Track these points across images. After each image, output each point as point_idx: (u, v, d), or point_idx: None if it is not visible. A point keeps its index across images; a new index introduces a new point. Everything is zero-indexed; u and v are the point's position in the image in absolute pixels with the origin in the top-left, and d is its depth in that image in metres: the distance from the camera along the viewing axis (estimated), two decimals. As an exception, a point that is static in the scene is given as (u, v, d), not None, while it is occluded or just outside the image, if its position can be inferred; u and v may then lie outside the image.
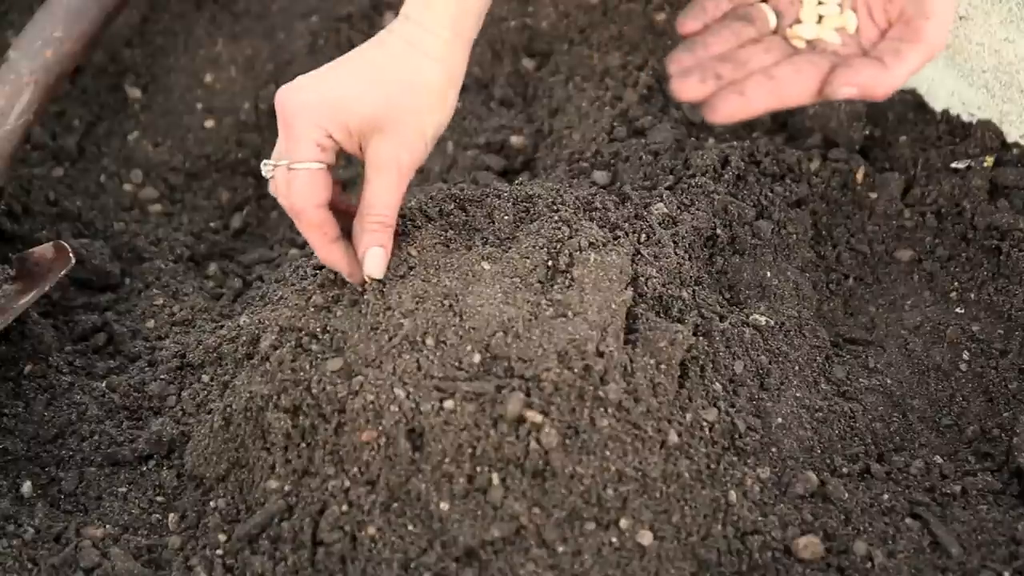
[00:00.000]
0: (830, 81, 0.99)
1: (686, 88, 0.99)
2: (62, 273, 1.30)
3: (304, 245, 1.50)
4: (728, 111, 0.98)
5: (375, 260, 1.11)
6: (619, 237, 1.18)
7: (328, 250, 1.11)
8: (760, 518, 1.08)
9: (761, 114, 1.00)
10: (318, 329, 1.13)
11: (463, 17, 1.11)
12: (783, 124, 1.50)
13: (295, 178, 1.08)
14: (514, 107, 1.60)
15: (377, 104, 1.07)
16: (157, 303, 1.40)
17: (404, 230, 1.18)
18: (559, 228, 1.16)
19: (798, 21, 1.06)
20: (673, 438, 1.08)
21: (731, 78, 0.99)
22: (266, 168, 1.10)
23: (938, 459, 1.18)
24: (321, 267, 1.20)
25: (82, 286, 1.43)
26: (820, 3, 1.06)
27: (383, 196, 1.09)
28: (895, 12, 1.02)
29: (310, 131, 1.07)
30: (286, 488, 1.08)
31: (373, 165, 1.09)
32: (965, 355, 1.28)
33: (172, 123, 1.67)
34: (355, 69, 1.09)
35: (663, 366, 1.10)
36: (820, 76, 1.00)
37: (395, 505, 1.05)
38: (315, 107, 1.07)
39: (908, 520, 1.10)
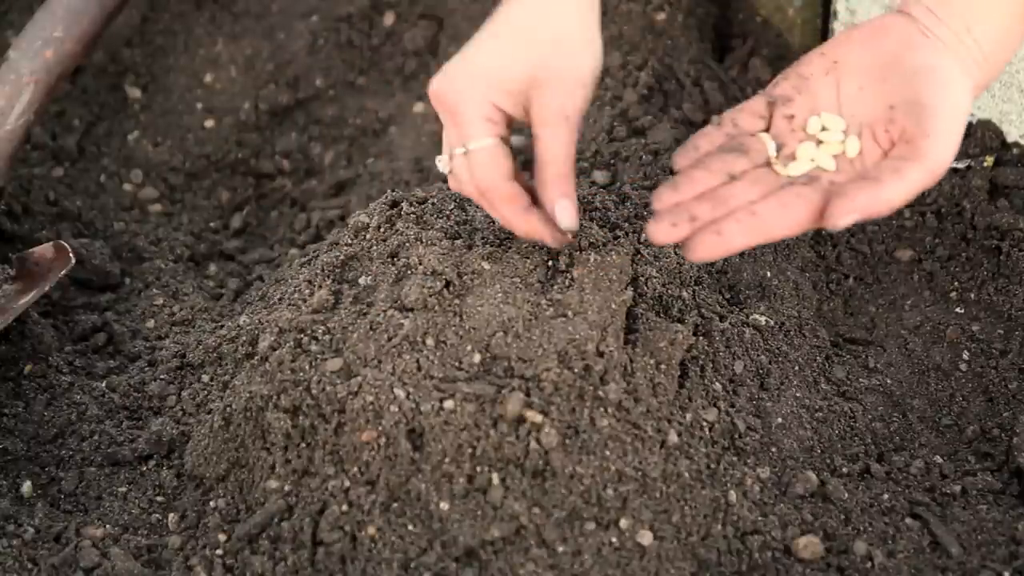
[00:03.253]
0: (829, 214, 0.97)
1: (659, 232, 0.99)
2: (62, 273, 1.30)
3: (304, 245, 1.50)
4: (705, 251, 0.98)
5: (566, 211, 1.09)
6: (619, 237, 1.18)
7: (525, 219, 1.09)
8: (760, 518, 1.08)
9: (742, 250, 1.00)
10: (318, 329, 1.13)
11: None
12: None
13: (474, 158, 1.07)
14: (514, 107, 1.60)
15: (529, 62, 1.07)
16: (157, 303, 1.40)
17: (405, 230, 1.19)
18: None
19: (793, 158, 1.04)
20: (673, 438, 1.08)
21: (710, 217, 0.99)
22: (442, 163, 1.10)
23: (938, 459, 1.18)
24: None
25: (82, 286, 1.43)
26: (824, 129, 1.04)
27: (556, 148, 1.08)
28: (897, 132, 1.01)
29: (477, 109, 1.06)
30: (286, 488, 1.08)
31: (540, 121, 1.08)
32: (965, 355, 1.28)
33: (172, 123, 1.67)
34: (497, 36, 1.09)
35: (663, 366, 1.10)
36: (808, 208, 0.99)
37: (395, 505, 1.05)
38: (473, 84, 1.07)
39: (908, 520, 1.10)
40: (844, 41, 1.07)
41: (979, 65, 1.04)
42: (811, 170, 1.03)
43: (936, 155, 0.99)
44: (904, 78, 1.02)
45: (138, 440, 1.21)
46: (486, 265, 1.13)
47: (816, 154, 1.03)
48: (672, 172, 1.04)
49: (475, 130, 1.07)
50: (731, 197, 1.00)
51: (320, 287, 1.18)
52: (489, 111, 1.06)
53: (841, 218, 0.97)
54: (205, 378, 1.26)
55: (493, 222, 1.20)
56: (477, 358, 1.07)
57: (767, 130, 1.06)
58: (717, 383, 1.14)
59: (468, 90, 1.06)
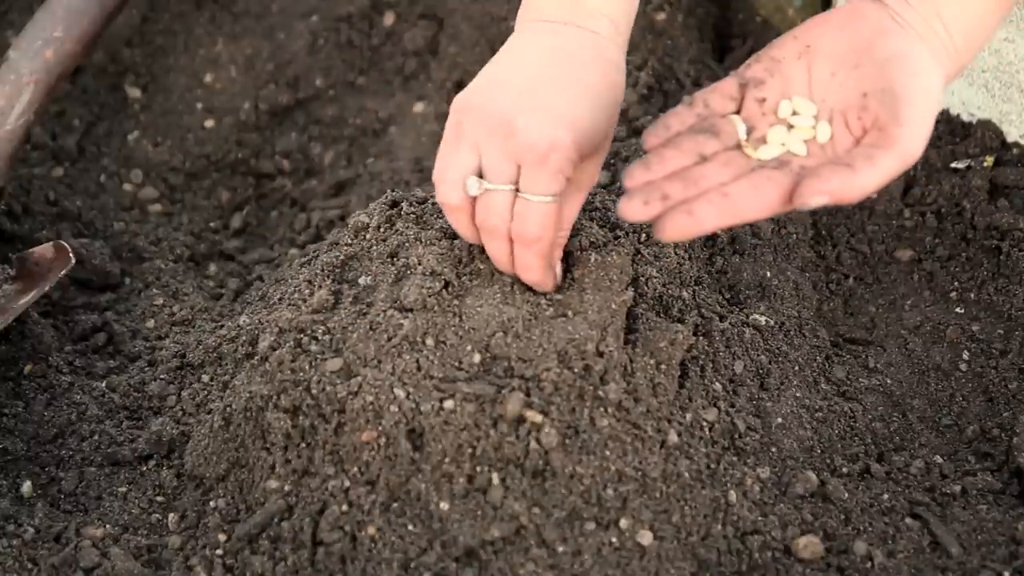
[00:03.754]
0: (799, 192, 0.97)
1: (630, 209, 0.98)
2: (62, 273, 1.30)
3: (304, 245, 1.50)
4: (676, 231, 0.98)
5: (559, 271, 1.14)
6: (619, 237, 1.18)
7: (547, 275, 1.11)
8: (760, 518, 1.08)
9: (712, 231, 0.99)
10: (318, 329, 1.13)
11: (631, 19, 1.12)
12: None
13: (541, 209, 1.05)
14: (514, 107, 1.60)
15: (606, 130, 1.08)
16: (157, 303, 1.40)
17: (405, 230, 1.19)
18: (559, 228, 1.16)
19: (763, 141, 1.03)
20: (673, 438, 1.08)
21: (682, 197, 0.99)
22: (476, 186, 1.06)
23: (938, 459, 1.18)
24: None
25: (82, 286, 1.43)
26: (795, 113, 1.04)
27: (574, 213, 1.11)
28: (869, 120, 1.01)
29: (567, 166, 1.04)
30: (286, 488, 1.08)
31: (578, 185, 1.10)
32: (965, 355, 1.28)
33: (172, 123, 1.67)
34: (582, 91, 1.07)
35: (663, 366, 1.10)
36: (779, 191, 0.99)
37: (395, 505, 1.05)
38: (571, 141, 1.04)
39: (908, 520, 1.10)
40: (817, 25, 1.06)
41: (949, 54, 1.04)
42: (782, 154, 1.02)
43: (908, 143, 0.99)
44: (877, 65, 1.02)
45: (138, 440, 1.21)
46: (484, 265, 1.13)
47: (787, 138, 1.03)
48: (643, 151, 1.04)
49: (556, 184, 1.05)
50: (702, 178, 1.00)
51: (320, 287, 1.18)
52: (571, 170, 1.05)
53: (811, 198, 0.97)
54: (205, 378, 1.26)
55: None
56: (477, 358, 1.07)
57: (738, 112, 1.06)
58: (717, 383, 1.14)
59: (567, 144, 1.04)
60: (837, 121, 1.03)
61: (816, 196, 0.97)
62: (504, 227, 1.07)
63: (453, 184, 1.07)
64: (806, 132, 1.03)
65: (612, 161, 1.41)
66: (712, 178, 1.00)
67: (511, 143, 1.04)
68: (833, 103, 1.03)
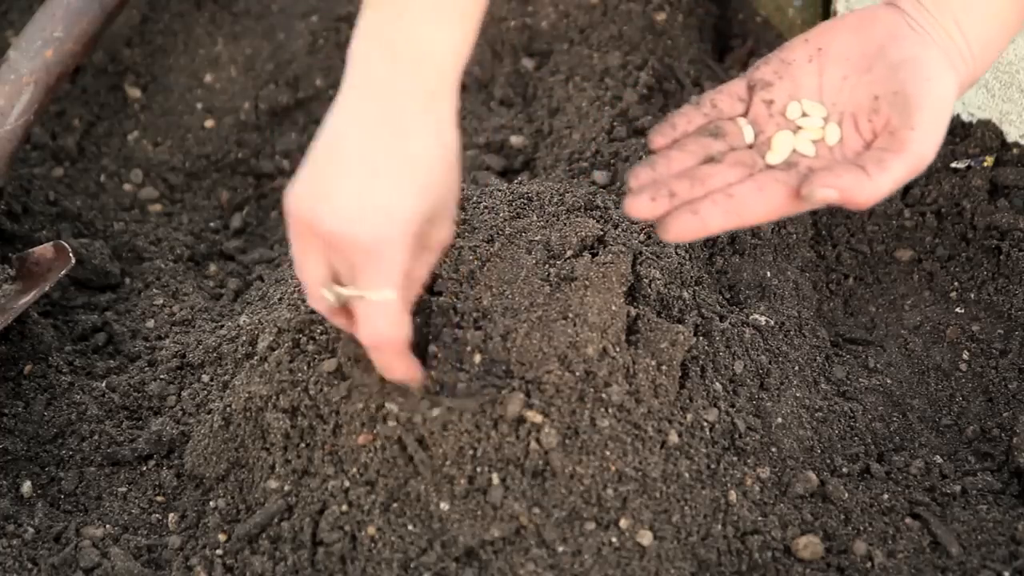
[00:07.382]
0: (809, 182, 0.95)
1: (636, 206, 0.96)
2: (62, 273, 1.30)
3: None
4: (680, 231, 0.95)
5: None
6: (619, 238, 1.18)
7: (407, 367, 1.02)
8: (760, 518, 1.08)
9: (718, 233, 0.97)
10: (316, 330, 1.12)
11: (465, 51, 0.97)
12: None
13: (387, 310, 0.95)
14: (514, 107, 1.60)
15: (439, 204, 0.96)
16: (157, 303, 1.40)
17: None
18: (559, 227, 1.16)
19: (769, 147, 1.02)
20: (673, 438, 1.08)
21: (688, 196, 0.97)
22: (332, 296, 0.97)
23: (938, 459, 1.18)
24: None
25: (82, 286, 1.43)
26: (804, 115, 1.03)
27: (424, 273, 1.01)
28: (881, 123, 1.00)
29: (401, 263, 0.94)
30: (286, 488, 1.08)
31: (426, 249, 0.99)
32: (965, 355, 1.28)
33: (172, 123, 1.67)
34: (409, 170, 0.94)
35: (664, 367, 1.10)
36: (785, 192, 0.97)
37: (395, 505, 1.05)
38: (401, 236, 0.93)
39: (908, 520, 1.10)
40: (829, 29, 1.05)
41: (965, 61, 1.03)
42: (790, 156, 1.01)
43: (919, 148, 0.98)
44: (890, 68, 1.01)
45: (138, 440, 1.21)
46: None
47: (794, 141, 1.02)
48: (649, 151, 1.02)
49: (392, 280, 0.95)
50: (709, 177, 0.99)
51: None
52: (407, 264, 0.96)
53: (819, 189, 0.95)
54: (205, 378, 1.26)
55: (494, 223, 1.20)
56: (477, 359, 1.07)
57: (746, 114, 1.05)
58: (717, 383, 1.14)
59: (395, 241, 0.93)
60: (847, 124, 1.02)
61: (824, 188, 0.95)
62: (373, 334, 0.98)
63: (316, 298, 0.99)
64: (814, 133, 1.02)
65: (612, 161, 1.41)
66: (719, 179, 0.99)
67: (344, 248, 0.95)
68: (843, 106, 1.02)
